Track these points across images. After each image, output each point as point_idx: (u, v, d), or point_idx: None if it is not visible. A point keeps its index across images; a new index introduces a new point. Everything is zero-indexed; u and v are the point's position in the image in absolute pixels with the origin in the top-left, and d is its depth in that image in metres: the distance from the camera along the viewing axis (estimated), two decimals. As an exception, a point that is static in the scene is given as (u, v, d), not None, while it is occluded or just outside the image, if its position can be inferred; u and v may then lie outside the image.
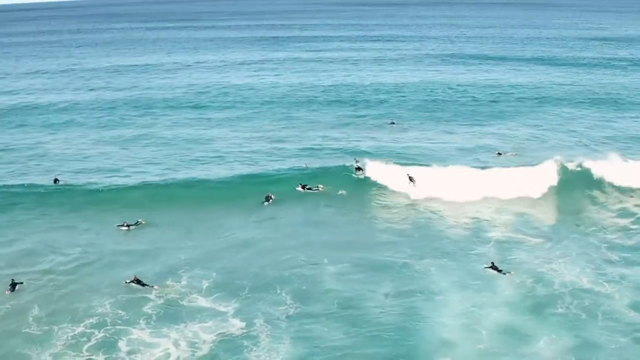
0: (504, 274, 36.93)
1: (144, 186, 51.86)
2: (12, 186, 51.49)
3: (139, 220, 44.57)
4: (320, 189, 50.17)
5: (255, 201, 48.49)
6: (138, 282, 36.33)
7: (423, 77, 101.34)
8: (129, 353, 30.51)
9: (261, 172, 54.34)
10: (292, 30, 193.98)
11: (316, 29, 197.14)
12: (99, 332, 32.14)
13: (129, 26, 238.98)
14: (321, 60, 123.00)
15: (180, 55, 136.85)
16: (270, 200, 48.13)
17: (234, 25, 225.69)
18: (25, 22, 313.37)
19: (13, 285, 36.20)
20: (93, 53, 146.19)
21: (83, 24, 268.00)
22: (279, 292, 36.04)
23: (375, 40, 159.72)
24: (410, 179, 50.86)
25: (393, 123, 71.92)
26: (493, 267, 37.53)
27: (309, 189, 50.20)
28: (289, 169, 54.91)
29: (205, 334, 31.99)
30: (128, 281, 36.48)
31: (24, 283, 36.61)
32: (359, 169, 52.93)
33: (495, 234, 42.89)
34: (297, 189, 50.34)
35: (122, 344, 31.11)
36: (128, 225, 43.73)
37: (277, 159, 58.57)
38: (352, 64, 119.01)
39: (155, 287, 36.16)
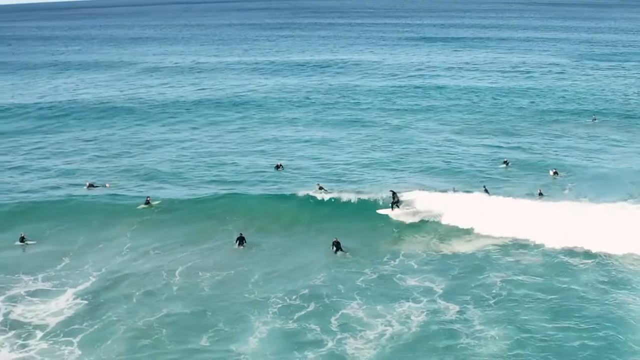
0: None
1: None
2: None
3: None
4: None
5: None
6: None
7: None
8: (341, 326, 31.32)
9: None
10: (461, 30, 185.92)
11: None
12: (311, 303, 33.56)
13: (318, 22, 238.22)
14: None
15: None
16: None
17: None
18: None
19: (240, 239, 40.53)
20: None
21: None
22: (487, 274, 35.92)
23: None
24: (394, 197, 44.57)
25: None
26: None
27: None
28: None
29: (416, 313, 32.38)
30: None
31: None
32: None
33: None
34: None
35: (333, 317, 32.11)
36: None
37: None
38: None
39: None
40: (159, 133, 68.86)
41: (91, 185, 52.07)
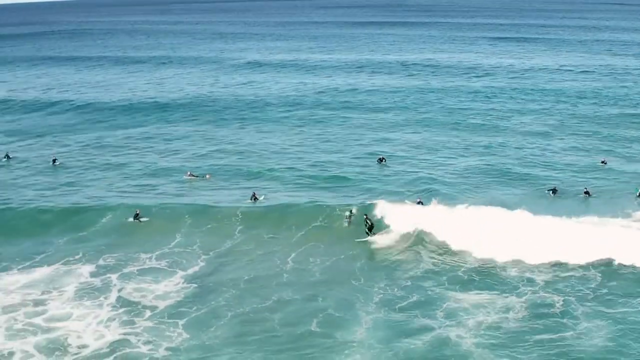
0: None
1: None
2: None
3: None
4: None
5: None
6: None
7: None
8: (446, 316, 31.74)
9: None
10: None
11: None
12: (414, 294, 33.98)
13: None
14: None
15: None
16: None
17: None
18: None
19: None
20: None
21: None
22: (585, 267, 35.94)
23: None
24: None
25: None
26: None
27: None
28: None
29: (519, 305, 32.55)
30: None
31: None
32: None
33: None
34: None
35: (437, 308, 32.60)
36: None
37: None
38: None
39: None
40: (264, 131, 69.05)
41: (191, 175, 53.46)
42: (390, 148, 60.83)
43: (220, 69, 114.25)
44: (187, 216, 44.40)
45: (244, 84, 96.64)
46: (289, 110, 77.72)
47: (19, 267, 38.39)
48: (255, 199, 46.78)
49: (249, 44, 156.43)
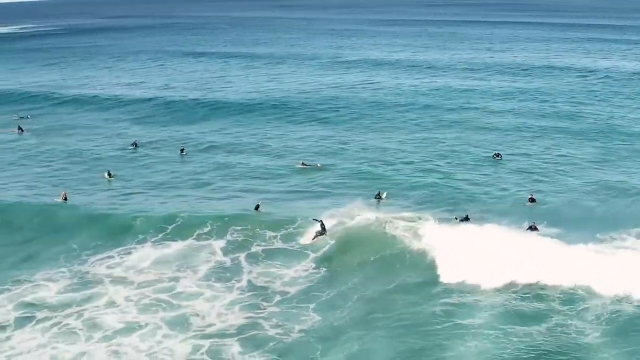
0: None
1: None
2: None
3: None
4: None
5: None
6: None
7: None
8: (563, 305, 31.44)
9: None
10: None
11: None
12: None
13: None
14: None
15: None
16: None
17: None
18: None
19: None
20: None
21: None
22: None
23: None
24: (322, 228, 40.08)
25: None
26: None
27: None
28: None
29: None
30: None
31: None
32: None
33: None
34: None
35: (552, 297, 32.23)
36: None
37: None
38: None
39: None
40: (380, 130, 68.62)
41: (304, 164, 54.81)
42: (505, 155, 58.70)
43: (335, 66, 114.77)
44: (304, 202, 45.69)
45: (361, 82, 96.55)
46: (405, 110, 77.22)
47: (153, 239, 40.36)
48: (380, 197, 47.05)
49: (363, 42, 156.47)
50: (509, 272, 33.76)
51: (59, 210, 45.76)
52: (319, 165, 55.11)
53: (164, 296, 34.43)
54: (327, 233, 39.47)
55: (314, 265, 37.57)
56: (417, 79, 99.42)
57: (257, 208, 43.96)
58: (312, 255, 38.39)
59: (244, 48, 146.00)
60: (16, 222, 43.93)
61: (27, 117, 77.13)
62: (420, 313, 31.59)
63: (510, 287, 33.31)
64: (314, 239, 39.37)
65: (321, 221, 39.97)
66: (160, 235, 41.20)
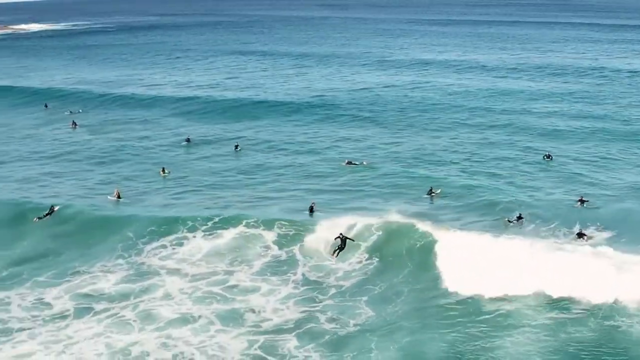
0: None
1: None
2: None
3: None
4: None
5: None
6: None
7: None
8: None
9: None
10: None
11: None
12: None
13: None
14: None
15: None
16: None
17: None
18: None
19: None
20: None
21: None
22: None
23: None
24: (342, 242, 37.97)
25: None
26: None
27: None
28: None
29: None
30: None
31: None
32: None
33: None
34: None
35: None
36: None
37: None
38: None
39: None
40: (429, 130, 68.56)
41: (349, 162, 55.21)
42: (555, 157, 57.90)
43: (384, 65, 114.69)
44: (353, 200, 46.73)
45: (410, 82, 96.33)
46: (454, 111, 76.71)
47: (205, 233, 41.38)
48: (432, 193, 47.28)
49: (412, 41, 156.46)
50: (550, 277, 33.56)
51: (113, 206, 46.96)
52: (364, 163, 55.45)
53: (217, 289, 35.14)
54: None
55: (366, 257, 38.15)
56: (466, 79, 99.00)
57: (311, 209, 44.36)
58: (364, 248, 38.86)
59: (293, 47, 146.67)
60: (72, 216, 44.83)
61: (78, 111, 79.14)
62: (470, 307, 31.94)
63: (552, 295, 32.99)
64: (335, 254, 37.97)
65: (340, 234, 38.21)
66: (213, 229, 41.79)
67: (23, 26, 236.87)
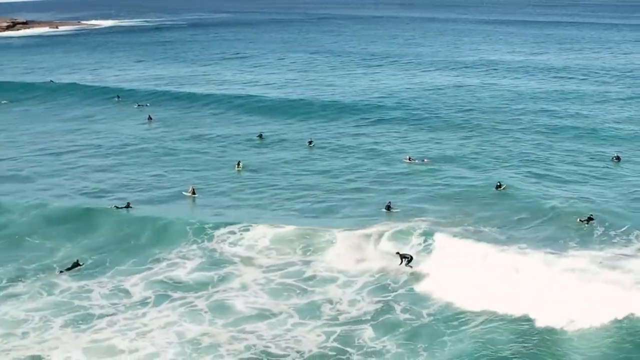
0: None
1: None
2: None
3: None
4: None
5: None
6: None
7: None
8: None
9: None
10: None
11: None
12: None
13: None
14: None
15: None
16: None
17: None
18: None
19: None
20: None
21: None
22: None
23: None
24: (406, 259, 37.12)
25: None
26: None
27: None
28: None
29: None
30: None
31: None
32: None
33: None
34: None
35: None
36: None
37: None
38: None
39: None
40: (497, 130, 68.23)
41: (410, 159, 56.08)
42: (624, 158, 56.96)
43: (451, 66, 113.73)
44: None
45: (476, 84, 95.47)
46: (520, 112, 75.93)
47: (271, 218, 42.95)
48: (500, 187, 47.91)
49: (479, 40, 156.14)
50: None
51: (187, 200, 48.49)
52: (425, 160, 56.07)
53: (291, 280, 36.21)
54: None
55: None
56: (534, 81, 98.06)
57: (388, 207, 44.77)
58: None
59: (362, 45, 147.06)
60: (148, 208, 46.46)
61: (146, 105, 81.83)
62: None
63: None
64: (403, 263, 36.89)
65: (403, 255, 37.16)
66: (282, 221, 42.98)
67: (93, 22, 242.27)
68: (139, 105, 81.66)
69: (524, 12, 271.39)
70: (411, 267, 36.35)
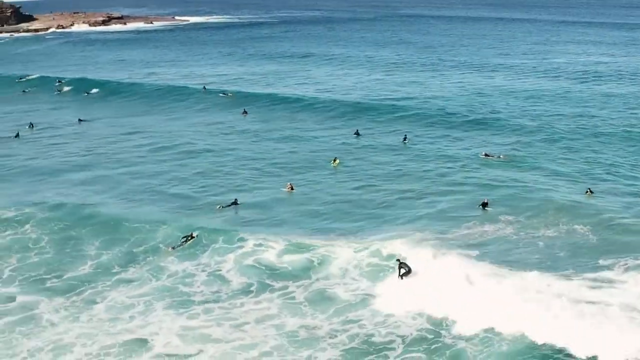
0: None
1: None
2: None
3: None
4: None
5: None
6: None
7: None
8: None
9: None
10: None
11: None
12: None
13: None
14: None
15: None
16: None
17: None
18: None
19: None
20: None
21: None
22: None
23: None
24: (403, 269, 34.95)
25: None
26: None
27: None
28: None
29: None
30: None
31: None
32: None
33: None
34: None
35: None
36: None
37: None
38: None
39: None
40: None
41: (486, 155, 57.28)
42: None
43: (545, 72, 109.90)
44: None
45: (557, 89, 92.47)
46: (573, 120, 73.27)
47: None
48: (590, 191, 47.60)
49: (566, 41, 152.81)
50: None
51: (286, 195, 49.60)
52: (501, 156, 57.03)
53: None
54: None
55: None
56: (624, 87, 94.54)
57: (484, 205, 45.00)
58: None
59: (449, 47, 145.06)
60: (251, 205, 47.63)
61: (228, 95, 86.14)
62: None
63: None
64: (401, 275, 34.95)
65: (405, 266, 35.21)
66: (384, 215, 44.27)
67: (185, 18, 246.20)
68: (223, 93, 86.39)
69: (617, 13, 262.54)
70: (402, 278, 34.32)
